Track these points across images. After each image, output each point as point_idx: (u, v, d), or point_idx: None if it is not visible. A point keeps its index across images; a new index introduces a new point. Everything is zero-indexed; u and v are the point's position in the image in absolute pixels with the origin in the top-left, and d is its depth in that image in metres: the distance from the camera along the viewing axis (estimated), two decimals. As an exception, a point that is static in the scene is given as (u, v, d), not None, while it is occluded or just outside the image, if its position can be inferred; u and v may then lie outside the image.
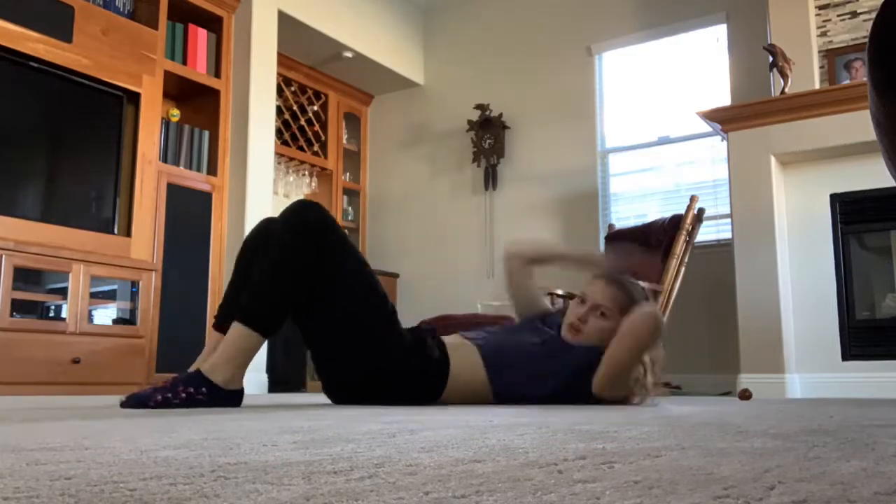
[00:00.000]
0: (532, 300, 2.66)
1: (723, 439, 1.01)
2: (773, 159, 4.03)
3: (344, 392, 2.31)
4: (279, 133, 5.46)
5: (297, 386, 5.10)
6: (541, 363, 2.28)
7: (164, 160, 4.45)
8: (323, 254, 2.10)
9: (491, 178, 5.65)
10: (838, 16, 4.18)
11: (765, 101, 4.09)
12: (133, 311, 4.12)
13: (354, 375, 2.23)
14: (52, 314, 3.85)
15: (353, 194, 6.22)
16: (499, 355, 2.28)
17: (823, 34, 4.20)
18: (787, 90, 4.04)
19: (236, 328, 2.02)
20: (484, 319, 4.27)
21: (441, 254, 5.83)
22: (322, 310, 2.15)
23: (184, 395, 1.95)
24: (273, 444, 0.90)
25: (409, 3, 6.09)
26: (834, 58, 4.14)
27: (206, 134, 4.70)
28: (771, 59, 4.09)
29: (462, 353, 2.26)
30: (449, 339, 2.31)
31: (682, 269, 4.16)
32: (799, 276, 4.03)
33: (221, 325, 2.15)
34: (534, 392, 2.24)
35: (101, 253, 3.96)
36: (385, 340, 2.19)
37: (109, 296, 4.13)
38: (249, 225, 4.62)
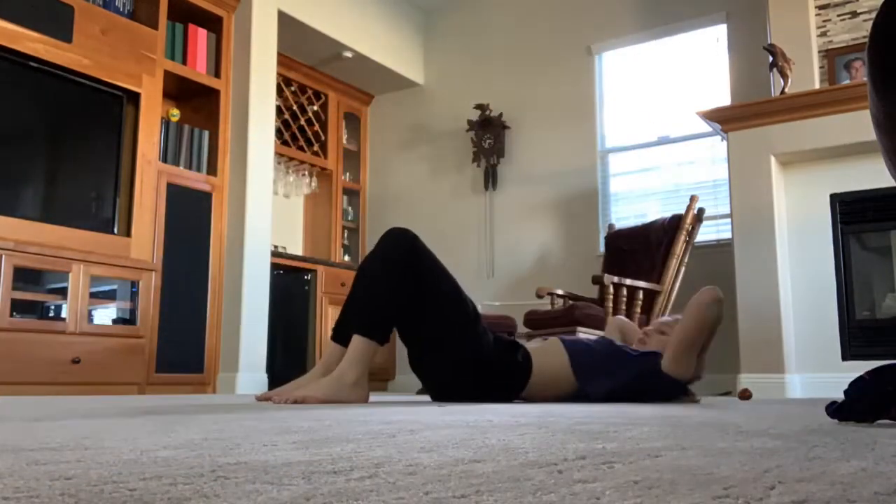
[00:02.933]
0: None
1: (723, 439, 1.01)
2: (773, 159, 4.03)
3: (440, 389, 2.60)
4: (279, 133, 5.46)
5: (297, 386, 5.10)
6: (614, 362, 2.58)
7: (164, 160, 4.45)
8: (409, 271, 2.46)
9: (491, 178, 5.66)
10: (838, 16, 4.18)
11: (765, 101, 4.09)
12: (133, 311, 4.13)
13: (444, 374, 2.54)
14: (52, 314, 3.85)
15: (353, 194, 6.22)
16: (583, 353, 2.58)
17: (823, 34, 4.20)
18: (787, 90, 4.04)
19: (354, 339, 2.35)
20: (484, 320, 4.27)
21: (441, 254, 5.77)
22: (413, 318, 2.49)
23: None
24: (273, 444, 0.90)
25: (409, 3, 6.09)
26: (834, 58, 4.14)
27: (206, 134, 4.70)
28: (771, 59, 4.09)
29: (547, 349, 2.59)
30: (531, 343, 2.66)
31: (682, 269, 4.16)
32: (799, 276, 4.03)
33: (337, 338, 2.53)
34: (616, 381, 2.53)
35: (100, 253, 3.96)
36: (467, 340, 2.50)
37: (109, 296, 4.13)
38: (249, 225, 4.63)
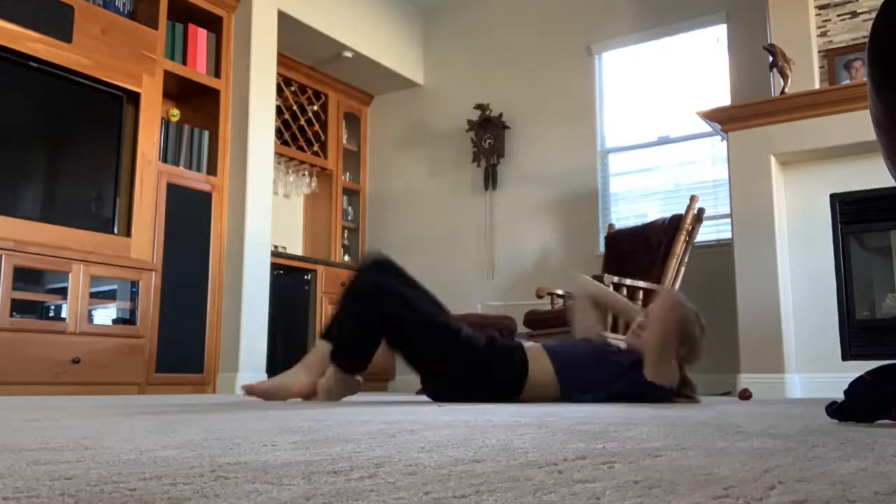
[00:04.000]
0: (589, 329, 2.99)
1: (723, 439, 1.01)
2: (773, 159, 4.03)
3: (443, 394, 2.66)
4: (279, 133, 5.46)
5: (297, 386, 5.09)
6: (597, 366, 2.59)
7: (164, 160, 4.45)
8: (382, 311, 2.54)
9: (491, 178, 5.66)
10: (838, 16, 4.18)
11: (765, 101, 4.09)
12: (133, 311, 4.12)
13: (444, 381, 2.63)
14: (52, 314, 3.85)
15: (353, 194, 6.22)
16: (568, 365, 2.59)
17: (823, 34, 4.20)
18: (787, 90, 4.04)
19: (321, 347, 2.59)
20: (485, 320, 4.28)
21: (441, 254, 5.83)
22: (400, 345, 2.62)
23: None
24: (273, 444, 0.90)
25: (409, 3, 6.09)
26: (834, 58, 4.14)
27: (206, 134, 4.70)
28: (771, 59, 4.09)
29: (534, 356, 2.61)
30: (527, 344, 2.70)
31: (682, 269, 4.16)
32: (799, 276, 4.03)
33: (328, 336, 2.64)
34: (596, 390, 2.55)
35: (100, 253, 3.96)
36: (458, 352, 2.56)
37: (109, 296, 4.13)
38: (249, 225, 4.63)
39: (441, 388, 2.67)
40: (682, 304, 2.59)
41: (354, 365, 2.57)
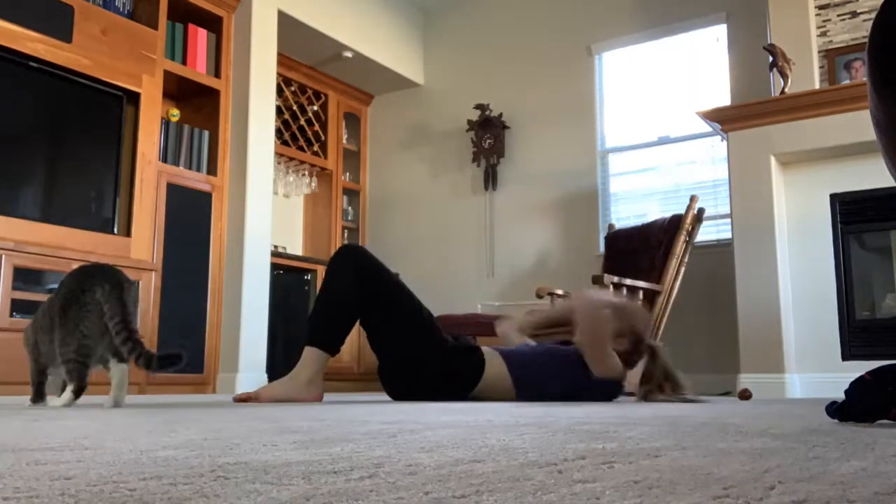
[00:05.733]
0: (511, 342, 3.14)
1: (723, 439, 1.01)
2: (773, 159, 4.03)
3: (399, 390, 2.75)
4: (279, 133, 5.46)
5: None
6: (550, 362, 2.71)
7: (164, 160, 4.45)
8: (360, 280, 2.59)
9: (491, 178, 5.66)
10: (838, 16, 4.18)
11: (765, 101, 4.09)
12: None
13: (403, 375, 2.69)
14: (52, 314, 3.84)
15: (353, 194, 6.22)
16: (520, 365, 2.69)
17: (823, 34, 4.20)
18: (787, 90, 4.04)
19: (306, 349, 2.56)
20: (484, 319, 4.28)
21: (441, 254, 5.83)
22: (374, 324, 2.66)
23: None
24: (273, 444, 0.90)
25: (409, 3, 6.09)
26: (834, 58, 4.14)
27: (206, 134, 4.70)
28: (771, 59, 4.09)
29: (492, 360, 2.70)
30: (486, 348, 2.78)
31: (682, 269, 4.16)
32: (799, 276, 4.03)
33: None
34: (549, 388, 2.63)
35: (101, 253, 3.96)
36: (423, 342, 2.65)
37: (109, 296, 4.12)
38: (249, 225, 4.63)
39: (399, 377, 2.72)
40: (595, 301, 2.76)
41: (332, 344, 2.58)
